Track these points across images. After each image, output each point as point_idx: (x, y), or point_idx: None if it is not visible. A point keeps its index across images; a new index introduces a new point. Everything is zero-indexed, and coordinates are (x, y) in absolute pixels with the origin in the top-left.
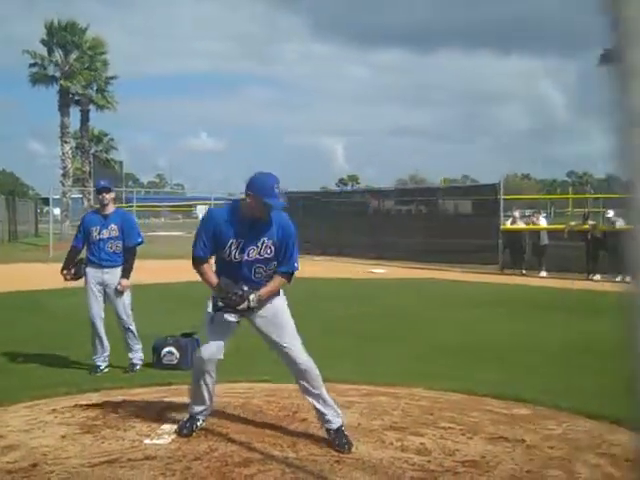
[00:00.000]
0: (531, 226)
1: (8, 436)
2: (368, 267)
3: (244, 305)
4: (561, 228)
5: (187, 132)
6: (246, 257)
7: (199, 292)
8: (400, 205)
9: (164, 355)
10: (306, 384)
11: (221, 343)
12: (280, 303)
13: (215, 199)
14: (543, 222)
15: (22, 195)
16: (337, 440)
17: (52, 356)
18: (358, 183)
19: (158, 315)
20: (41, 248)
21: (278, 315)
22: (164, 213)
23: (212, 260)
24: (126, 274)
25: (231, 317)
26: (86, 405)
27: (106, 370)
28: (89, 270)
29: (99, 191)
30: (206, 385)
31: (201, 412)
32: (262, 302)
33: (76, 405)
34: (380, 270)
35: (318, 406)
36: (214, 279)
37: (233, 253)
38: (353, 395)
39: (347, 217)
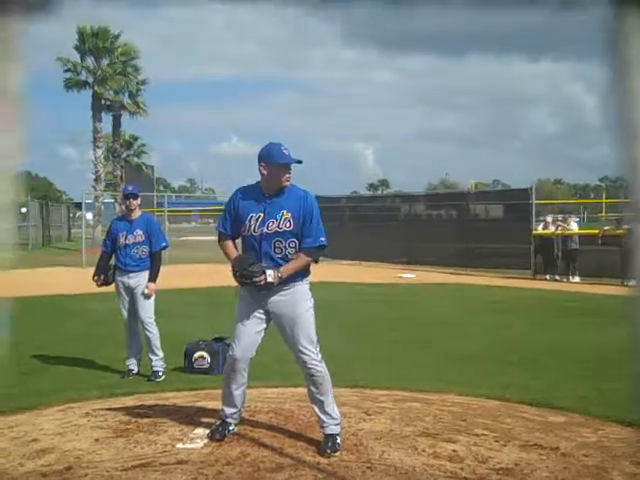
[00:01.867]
0: (562, 231)
1: (42, 439)
2: (398, 272)
3: (261, 278)
4: (595, 233)
5: (218, 137)
6: (265, 230)
7: (231, 296)
8: (430, 210)
9: (196, 360)
10: (313, 388)
11: (252, 341)
12: (302, 295)
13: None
14: (575, 226)
15: (55, 200)
16: (323, 443)
17: (85, 360)
18: (388, 188)
19: (189, 319)
20: (74, 253)
21: (297, 307)
22: (195, 217)
23: (238, 241)
24: (153, 278)
25: (257, 313)
26: (119, 409)
27: (136, 374)
28: (117, 275)
29: (127, 197)
30: (237, 386)
31: (232, 415)
32: (283, 280)
33: (109, 409)
34: (410, 275)
35: (317, 411)
36: (234, 253)
37: (253, 226)
38: (385, 401)
39: (377, 222)
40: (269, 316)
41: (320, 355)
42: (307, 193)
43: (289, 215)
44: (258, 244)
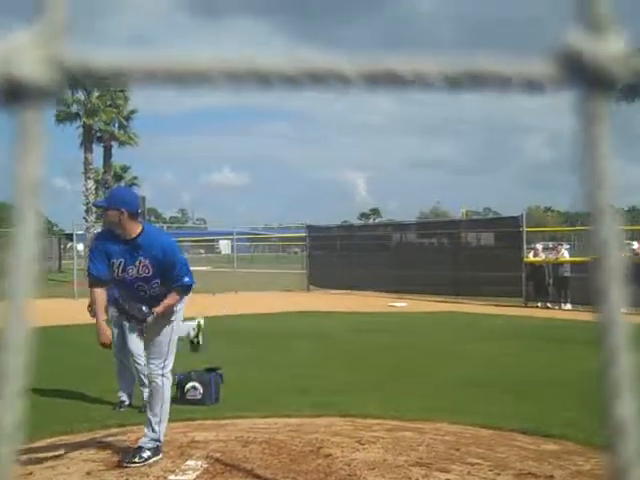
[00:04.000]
0: (553, 259)
1: (35, 473)
2: (389, 301)
3: (143, 323)
4: (586, 260)
5: (210, 168)
6: (127, 276)
7: (224, 326)
8: (422, 238)
9: (188, 390)
10: (150, 399)
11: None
12: (165, 326)
13: (237, 233)
14: (566, 254)
15: (46, 231)
16: (131, 452)
17: (77, 392)
18: (380, 216)
19: (181, 350)
20: (65, 284)
21: (158, 328)
22: (186, 248)
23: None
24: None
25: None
26: (110, 441)
27: (128, 405)
28: (108, 307)
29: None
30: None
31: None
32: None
33: (101, 441)
34: (402, 304)
35: (146, 419)
36: (99, 315)
37: (116, 272)
38: (378, 430)
39: (368, 251)
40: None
41: (165, 370)
42: (164, 237)
43: (146, 261)
44: (124, 287)
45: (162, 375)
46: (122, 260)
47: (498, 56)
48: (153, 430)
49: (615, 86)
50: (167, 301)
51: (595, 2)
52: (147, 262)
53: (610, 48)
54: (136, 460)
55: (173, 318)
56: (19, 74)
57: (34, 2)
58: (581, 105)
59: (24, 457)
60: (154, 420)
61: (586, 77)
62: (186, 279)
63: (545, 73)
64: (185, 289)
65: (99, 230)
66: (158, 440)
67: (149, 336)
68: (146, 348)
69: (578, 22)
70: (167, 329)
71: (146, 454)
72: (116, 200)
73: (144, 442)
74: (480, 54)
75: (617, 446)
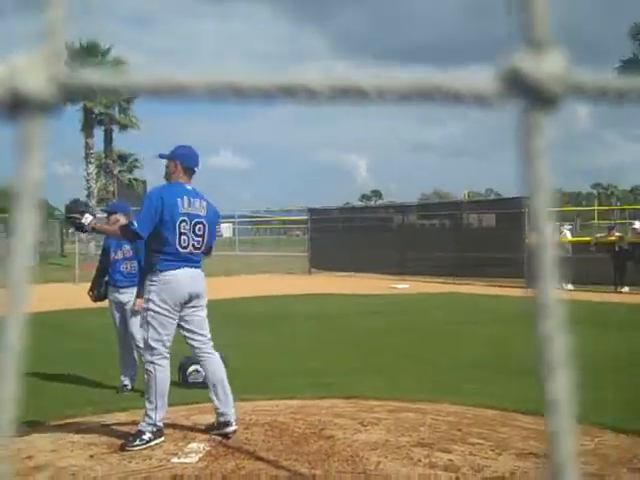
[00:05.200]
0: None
1: (37, 456)
2: (391, 282)
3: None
4: (588, 240)
5: (211, 151)
6: None
7: (225, 309)
8: (424, 220)
9: (190, 373)
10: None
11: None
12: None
13: (239, 216)
14: (568, 234)
15: (47, 215)
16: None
17: (79, 376)
18: (381, 198)
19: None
20: (67, 268)
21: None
22: None
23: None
24: (141, 293)
25: None
26: (113, 424)
27: (130, 389)
28: (109, 291)
29: (108, 214)
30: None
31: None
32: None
33: (103, 424)
34: (403, 285)
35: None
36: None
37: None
38: (380, 411)
39: (370, 232)
40: None
41: (153, 357)
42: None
43: None
44: None
45: (151, 362)
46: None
47: (450, 74)
48: (149, 417)
49: (555, 101)
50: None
51: (534, 25)
52: None
53: (548, 66)
54: (133, 444)
55: (149, 290)
56: (24, 89)
57: (38, 29)
58: (522, 117)
59: (27, 441)
60: (150, 407)
61: (526, 92)
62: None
63: (491, 89)
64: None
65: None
66: (153, 423)
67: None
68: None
69: (521, 42)
70: (145, 305)
71: (145, 436)
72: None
73: (142, 426)
74: (436, 73)
75: (548, 422)
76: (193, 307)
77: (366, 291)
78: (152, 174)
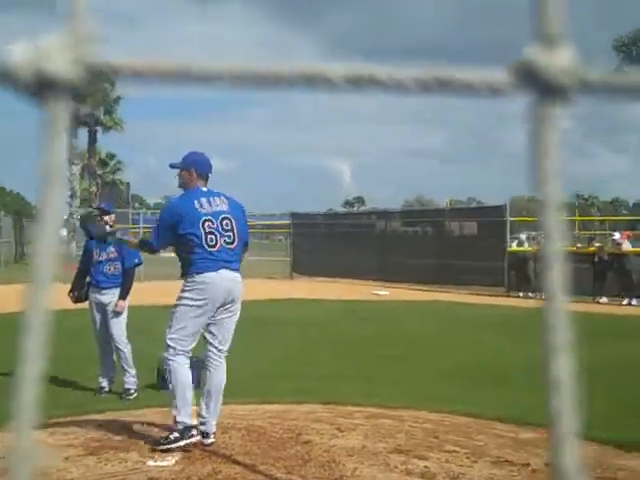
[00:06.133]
0: (536, 248)
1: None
2: (372, 289)
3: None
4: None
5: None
6: None
7: None
8: (406, 227)
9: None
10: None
11: None
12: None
13: None
14: None
15: (29, 215)
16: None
17: (56, 377)
18: (364, 205)
19: (163, 336)
20: None
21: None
22: None
23: None
24: (123, 295)
25: None
26: (90, 426)
27: (108, 391)
28: (90, 292)
29: (104, 213)
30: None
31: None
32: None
33: (80, 426)
34: (384, 292)
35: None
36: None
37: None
38: (358, 417)
39: (352, 239)
40: None
41: (171, 354)
42: None
43: None
44: None
45: (169, 359)
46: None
47: (465, 66)
48: (175, 417)
49: (565, 94)
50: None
51: (547, 21)
52: None
53: (559, 60)
54: (165, 446)
55: (183, 289)
56: (50, 70)
57: (64, 12)
58: (533, 110)
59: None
60: (172, 403)
61: (538, 85)
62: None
63: (504, 81)
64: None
65: (81, 213)
66: (178, 422)
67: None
68: None
69: (534, 38)
70: (177, 303)
71: (172, 437)
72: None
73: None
74: (450, 65)
75: (552, 401)
76: (226, 311)
77: (347, 297)
78: (136, 176)
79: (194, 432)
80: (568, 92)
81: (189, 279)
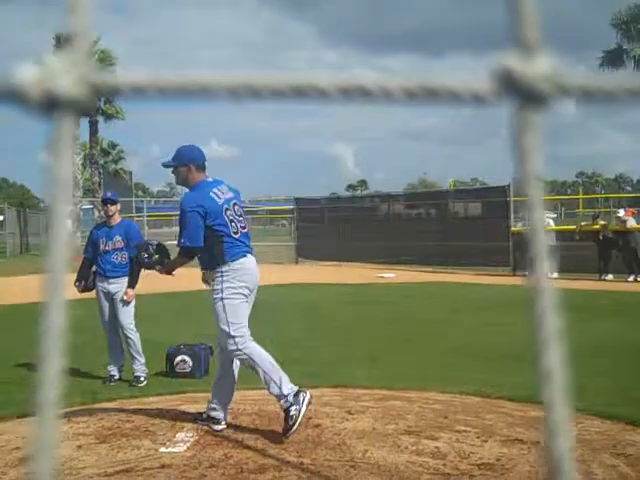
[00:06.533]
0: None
1: (25, 448)
2: (378, 272)
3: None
4: (572, 229)
5: (196, 140)
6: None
7: (211, 301)
8: (410, 209)
9: (177, 363)
10: (255, 371)
11: None
12: (214, 293)
13: None
14: (551, 223)
15: (33, 207)
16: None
17: (66, 366)
18: (368, 188)
19: (171, 324)
20: None
21: (213, 306)
22: (174, 222)
23: None
24: (132, 284)
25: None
26: (101, 415)
27: (118, 380)
28: (97, 281)
29: (104, 202)
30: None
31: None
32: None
33: (91, 414)
34: (390, 274)
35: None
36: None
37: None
38: (367, 400)
39: (357, 222)
40: None
41: (240, 344)
42: (183, 199)
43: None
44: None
45: (240, 349)
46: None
47: (448, 73)
48: (279, 395)
49: (545, 100)
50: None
51: (524, 28)
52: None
53: (538, 67)
54: (295, 424)
55: (222, 280)
56: (56, 89)
57: (66, 34)
58: (515, 115)
59: (14, 432)
60: (271, 386)
61: (518, 92)
62: (182, 240)
63: (486, 88)
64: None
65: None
66: (286, 396)
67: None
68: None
69: (512, 45)
70: (218, 295)
71: (293, 412)
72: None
73: (284, 404)
74: (435, 72)
75: (544, 391)
76: (252, 296)
77: (353, 280)
78: (139, 165)
79: (303, 393)
80: (548, 99)
81: (225, 268)
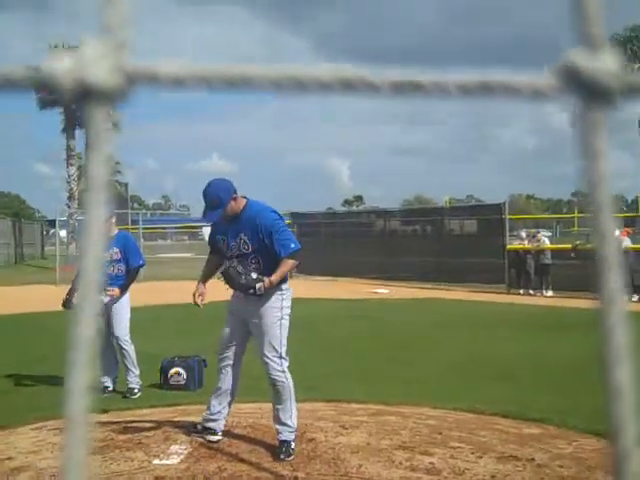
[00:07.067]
0: (535, 246)
1: (17, 458)
2: (372, 287)
3: (251, 290)
4: (567, 247)
5: (192, 156)
6: (230, 253)
7: (206, 314)
8: (405, 225)
9: (171, 375)
10: (273, 395)
11: (232, 347)
12: (274, 307)
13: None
14: (546, 241)
15: (28, 217)
16: (277, 449)
17: (59, 377)
18: (364, 203)
19: (165, 336)
20: (47, 270)
21: (267, 318)
22: (170, 235)
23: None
24: (122, 288)
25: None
26: (94, 426)
27: (112, 391)
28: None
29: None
30: (220, 391)
31: (210, 418)
32: (268, 290)
33: None
34: (384, 290)
35: (274, 417)
36: (200, 277)
37: (222, 249)
38: (361, 415)
39: (352, 237)
40: (246, 323)
41: (284, 365)
42: (259, 212)
43: (246, 237)
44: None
45: (283, 372)
46: (225, 238)
47: (508, 70)
48: (287, 425)
49: (612, 98)
50: (280, 271)
51: (589, 25)
52: (246, 238)
53: (604, 63)
54: (290, 454)
55: (282, 299)
56: (91, 79)
57: (103, 21)
58: (581, 115)
59: (7, 442)
60: (286, 416)
61: (584, 89)
62: (292, 245)
63: (549, 86)
64: (295, 254)
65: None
66: (296, 430)
67: (257, 326)
68: (257, 344)
69: (578, 42)
70: (277, 313)
71: (292, 445)
72: (222, 197)
73: (287, 437)
74: (493, 69)
75: (613, 409)
76: None
77: (347, 296)
78: (135, 178)
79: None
80: (615, 96)
81: (285, 287)
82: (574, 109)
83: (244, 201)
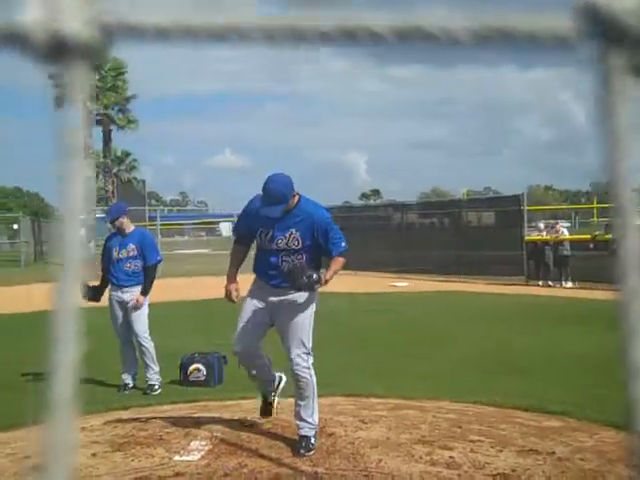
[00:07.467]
0: (554, 237)
1: (35, 456)
2: (391, 281)
3: (310, 288)
4: (586, 238)
5: (211, 150)
6: (275, 246)
7: (224, 309)
8: (423, 218)
9: (191, 372)
10: (296, 391)
11: (251, 337)
12: (304, 302)
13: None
14: (565, 232)
15: (47, 216)
16: (297, 443)
17: (81, 375)
18: (381, 197)
19: (185, 332)
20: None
21: (296, 313)
22: (187, 231)
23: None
24: (144, 291)
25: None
26: (115, 423)
27: (132, 388)
28: (111, 290)
29: (111, 223)
30: (257, 373)
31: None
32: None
33: (106, 423)
34: (403, 283)
35: (295, 413)
36: (230, 271)
37: (263, 240)
38: (381, 409)
39: (370, 231)
40: (271, 317)
41: (310, 362)
42: (316, 210)
43: (297, 234)
44: (268, 256)
45: (309, 368)
46: (271, 230)
47: (522, 12)
48: (308, 422)
49: (632, 39)
50: (334, 267)
51: None
52: (298, 235)
53: (623, 2)
54: (310, 449)
55: (315, 295)
56: (64, 31)
57: None
58: (600, 59)
59: (27, 440)
60: (308, 413)
61: (603, 28)
62: (342, 244)
63: (566, 27)
64: (344, 253)
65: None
66: (317, 427)
67: (287, 321)
68: (284, 337)
69: None
70: (310, 311)
71: (312, 440)
72: (286, 194)
73: (307, 432)
74: (506, 10)
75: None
76: None
77: (366, 289)
78: (152, 174)
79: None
80: (635, 37)
81: (318, 285)
82: (594, 56)
83: (297, 197)
